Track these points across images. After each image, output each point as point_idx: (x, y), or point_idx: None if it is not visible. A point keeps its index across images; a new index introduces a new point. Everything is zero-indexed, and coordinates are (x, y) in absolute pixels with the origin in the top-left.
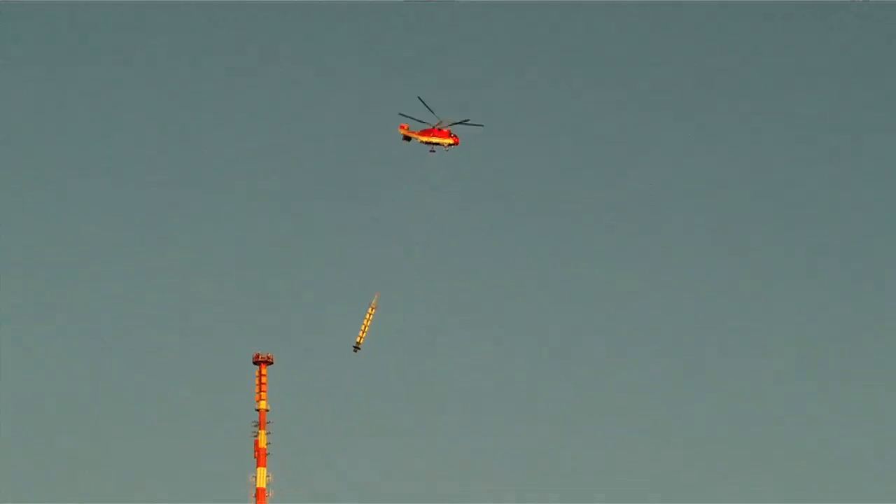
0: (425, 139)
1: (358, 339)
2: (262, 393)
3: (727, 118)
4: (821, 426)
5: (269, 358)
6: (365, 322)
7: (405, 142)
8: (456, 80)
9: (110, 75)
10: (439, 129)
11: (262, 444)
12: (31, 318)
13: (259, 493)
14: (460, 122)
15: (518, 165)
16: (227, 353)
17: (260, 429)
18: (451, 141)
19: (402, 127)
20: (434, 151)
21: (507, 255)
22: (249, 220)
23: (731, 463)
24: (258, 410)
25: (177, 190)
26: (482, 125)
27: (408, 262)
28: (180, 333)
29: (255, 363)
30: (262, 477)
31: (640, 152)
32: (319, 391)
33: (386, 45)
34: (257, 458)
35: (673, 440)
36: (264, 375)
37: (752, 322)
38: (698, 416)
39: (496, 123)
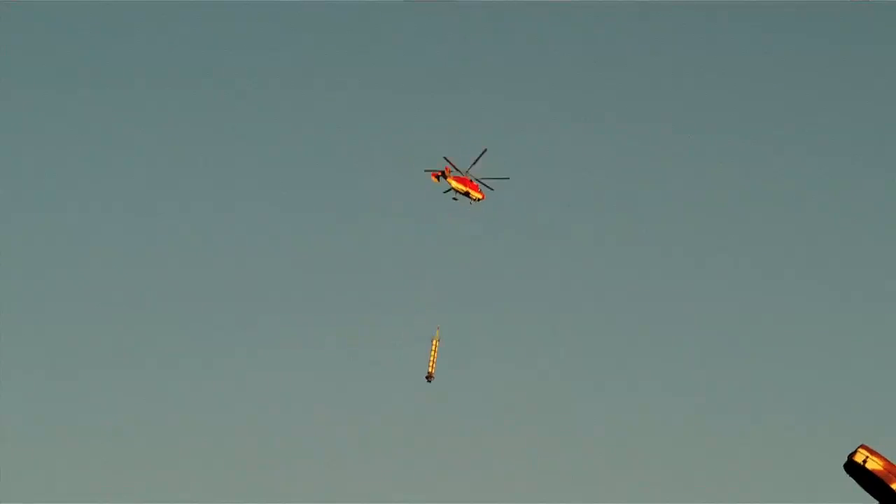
0: (459, 187)
1: (430, 370)
2: None
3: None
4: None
5: None
6: (432, 355)
7: (433, 179)
8: (458, 82)
9: (115, 75)
10: (471, 181)
11: None
12: None
13: None
14: (490, 178)
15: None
16: None
17: None
18: (479, 196)
19: (447, 168)
20: (457, 199)
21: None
22: None
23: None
24: None
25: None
26: (507, 178)
27: None
28: None
29: None
30: None
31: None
32: None
33: (386, 46)
34: None
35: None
36: None
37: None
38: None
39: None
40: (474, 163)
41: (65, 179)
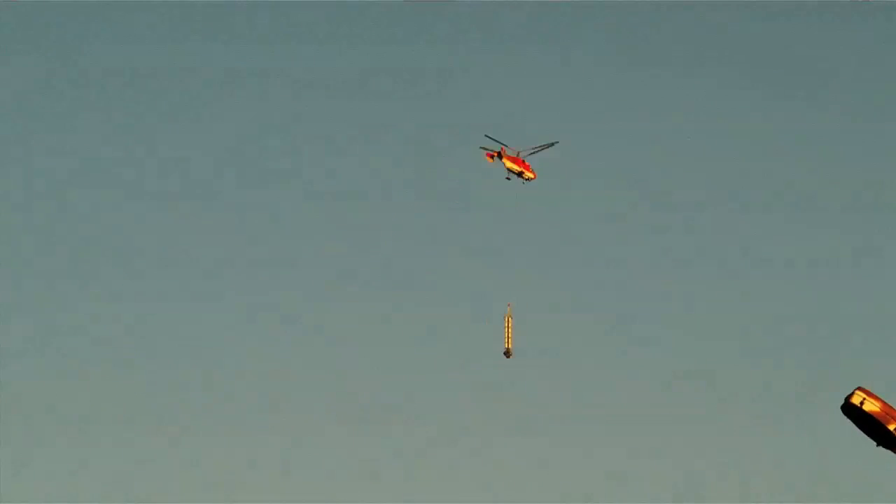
0: (513, 166)
1: (507, 346)
2: None
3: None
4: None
5: None
6: (507, 332)
7: (488, 160)
8: (458, 82)
9: (115, 75)
10: (524, 161)
11: None
12: None
13: None
14: (539, 149)
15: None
16: None
17: None
18: (532, 176)
19: (503, 148)
20: (510, 179)
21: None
22: None
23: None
24: None
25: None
26: (556, 142)
27: None
28: None
29: None
30: None
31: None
32: None
33: (386, 46)
34: None
35: None
36: None
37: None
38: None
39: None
40: (535, 150)
41: (65, 179)
